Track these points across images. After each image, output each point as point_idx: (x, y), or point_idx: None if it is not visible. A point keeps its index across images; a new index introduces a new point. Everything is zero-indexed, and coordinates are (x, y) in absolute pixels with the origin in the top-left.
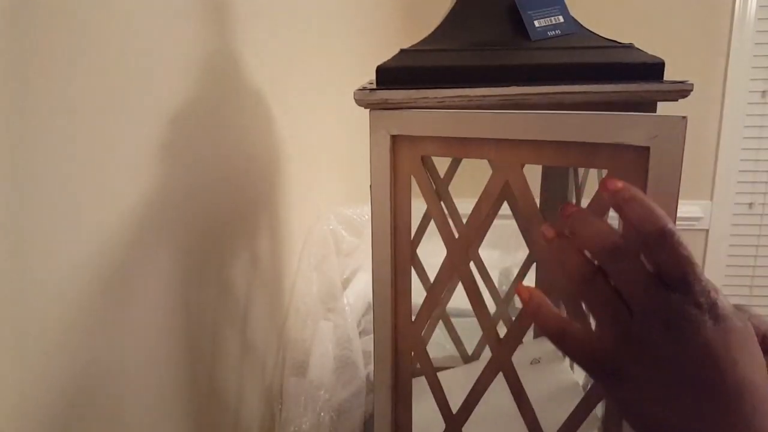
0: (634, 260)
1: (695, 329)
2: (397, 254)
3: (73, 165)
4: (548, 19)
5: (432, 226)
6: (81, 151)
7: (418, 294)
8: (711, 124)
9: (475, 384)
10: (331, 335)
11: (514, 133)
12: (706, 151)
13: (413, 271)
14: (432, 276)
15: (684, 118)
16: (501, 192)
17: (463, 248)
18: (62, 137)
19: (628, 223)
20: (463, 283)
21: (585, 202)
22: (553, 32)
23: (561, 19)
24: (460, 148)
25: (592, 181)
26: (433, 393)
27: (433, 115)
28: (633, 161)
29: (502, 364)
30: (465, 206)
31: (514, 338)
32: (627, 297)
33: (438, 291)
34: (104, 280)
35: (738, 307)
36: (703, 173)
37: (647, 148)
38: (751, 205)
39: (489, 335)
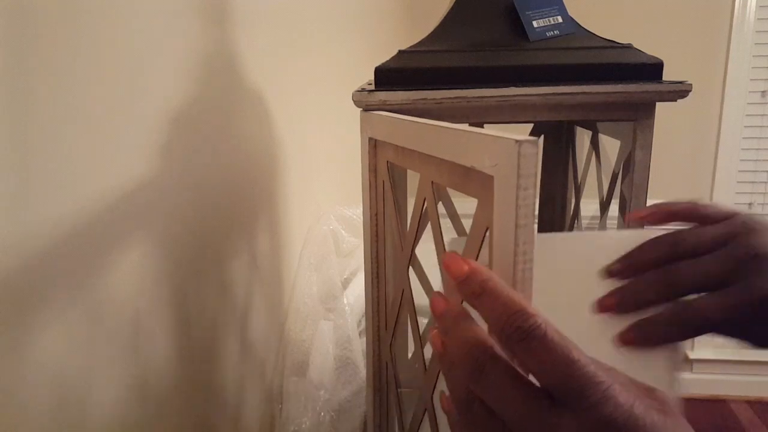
0: (502, 374)
1: None
2: (378, 259)
3: (72, 165)
4: (547, 19)
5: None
6: (80, 150)
7: (420, 296)
8: (711, 124)
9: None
10: (331, 335)
11: (423, 146)
12: (706, 151)
13: (414, 273)
14: (431, 277)
15: (518, 142)
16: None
17: (405, 261)
18: (62, 138)
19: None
20: (404, 295)
21: (584, 202)
22: (552, 33)
23: (560, 19)
24: (402, 157)
25: (591, 180)
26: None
27: (387, 121)
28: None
29: (426, 402)
30: (467, 207)
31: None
32: (507, 422)
33: (396, 300)
34: (103, 279)
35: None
36: (702, 173)
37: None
38: (750, 205)
39: (417, 358)
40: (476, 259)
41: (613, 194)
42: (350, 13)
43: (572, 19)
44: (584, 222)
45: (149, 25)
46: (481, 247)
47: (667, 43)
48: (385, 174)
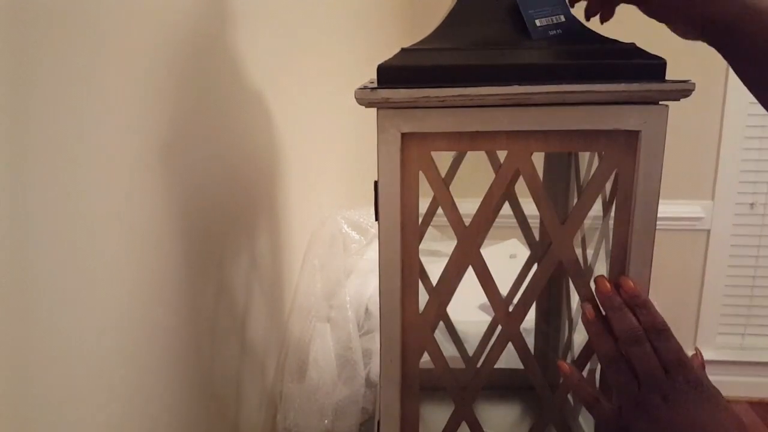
0: (647, 348)
1: (685, 400)
2: (404, 249)
3: (73, 165)
4: (549, 18)
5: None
6: (81, 151)
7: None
8: (713, 124)
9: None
10: (331, 335)
11: (525, 125)
12: (708, 151)
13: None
14: (431, 274)
15: (666, 106)
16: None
17: (474, 235)
18: (62, 138)
19: (638, 319)
20: (474, 269)
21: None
22: (555, 31)
23: (562, 18)
24: (470, 142)
25: (585, 168)
26: (444, 383)
27: (447, 113)
28: (625, 144)
29: (510, 335)
30: (466, 207)
31: (523, 309)
32: (639, 374)
33: (450, 280)
34: (103, 280)
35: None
36: (704, 173)
37: (637, 132)
38: (752, 205)
39: (500, 314)
40: (592, 203)
41: (615, 194)
42: (352, 11)
43: (575, 17)
44: (586, 222)
45: (149, 25)
46: (604, 188)
47: (669, 43)
48: (427, 165)
